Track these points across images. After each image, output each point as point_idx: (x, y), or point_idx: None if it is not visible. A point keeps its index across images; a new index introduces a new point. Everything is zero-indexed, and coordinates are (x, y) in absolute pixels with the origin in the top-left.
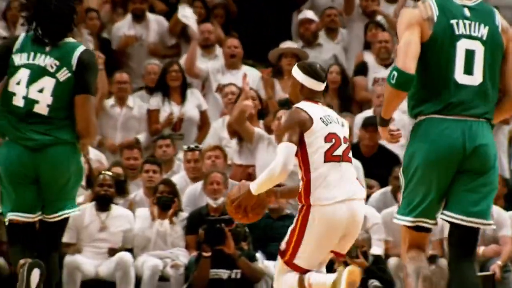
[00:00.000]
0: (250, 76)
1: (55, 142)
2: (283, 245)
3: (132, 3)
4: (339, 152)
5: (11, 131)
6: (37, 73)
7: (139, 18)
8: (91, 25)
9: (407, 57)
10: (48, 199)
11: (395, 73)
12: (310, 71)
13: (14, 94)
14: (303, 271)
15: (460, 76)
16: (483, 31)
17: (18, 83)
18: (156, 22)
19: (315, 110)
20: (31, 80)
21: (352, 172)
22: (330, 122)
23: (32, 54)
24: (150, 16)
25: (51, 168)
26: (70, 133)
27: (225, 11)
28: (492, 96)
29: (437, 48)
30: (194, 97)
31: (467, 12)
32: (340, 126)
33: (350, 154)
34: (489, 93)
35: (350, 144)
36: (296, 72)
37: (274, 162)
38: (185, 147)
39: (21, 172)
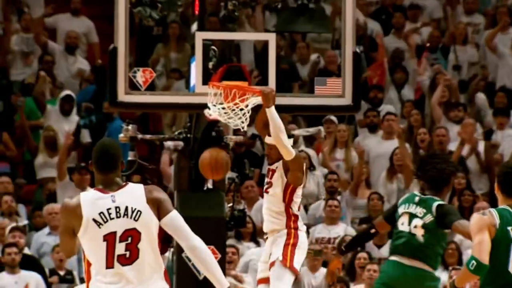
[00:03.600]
0: None
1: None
2: None
3: None
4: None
5: None
6: (412, 217)
7: None
8: None
9: (482, 252)
10: None
11: (474, 262)
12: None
13: (401, 232)
14: None
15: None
16: None
17: (402, 224)
18: None
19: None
20: (408, 222)
21: None
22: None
23: (407, 205)
24: None
25: None
26: None
27: None
28: None
29: (497, 248)
30: None
31: None
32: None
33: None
34: None
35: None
36: None
37: None
38: None
39: None
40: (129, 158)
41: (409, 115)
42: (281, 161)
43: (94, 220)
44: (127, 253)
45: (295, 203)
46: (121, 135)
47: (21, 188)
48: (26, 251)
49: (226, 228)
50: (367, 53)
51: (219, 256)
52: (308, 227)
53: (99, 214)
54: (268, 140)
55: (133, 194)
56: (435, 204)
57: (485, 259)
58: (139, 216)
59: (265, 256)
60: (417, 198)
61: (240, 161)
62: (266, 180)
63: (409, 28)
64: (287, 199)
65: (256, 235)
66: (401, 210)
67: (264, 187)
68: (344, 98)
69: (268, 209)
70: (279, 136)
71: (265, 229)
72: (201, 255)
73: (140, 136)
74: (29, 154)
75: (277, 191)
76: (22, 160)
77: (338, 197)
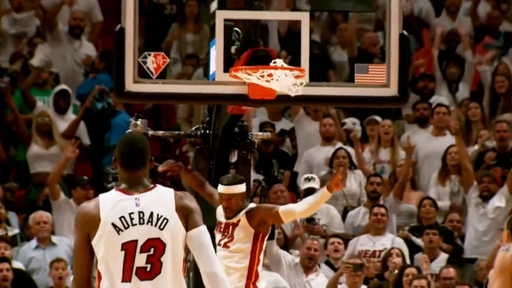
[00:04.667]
0: None
1: None
2: None
3: None
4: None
5: None
6: None
7: None
8: None
9: None
10: None
11: None
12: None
13: None
14: None
15: None
16: None
17: None
18: None
19: None
20: None
21: None
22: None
23: None
24: None
25: None
26: None
27: None
28: None
29: None
30: None
31: None
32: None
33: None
34: None
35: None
36: None
37: None
38: None
39: None
40: None
41: (466, 108)
42: (244, 213)
43: (113, 224)
44: (148, 266)
45: (262, 252)
46: (129, 131)
47: (12, 194)
48: (19, 265)
49: None
50: (415, 37)
51: None
52: (348, 238)
53: (120, 218)
54: (225, 190)
55: (161, 198)
56: None
57: None
58: (165, 225)
59: None
60: None
61: (268, 162)
62: (222, 234)
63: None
64: (257, 251)
65: (288, 247)
66: None
67: (221, 242)
68: (389, 88)
69: (226, 266)
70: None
71: None
72: (219, 285)
73: (151, 132)
74: (23, 153)
75: (242, 245)
76: (14, 161)
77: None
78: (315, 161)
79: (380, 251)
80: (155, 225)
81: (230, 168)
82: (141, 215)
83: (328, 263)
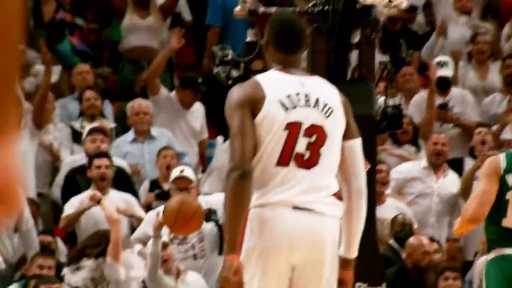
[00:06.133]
0: None
1: None
2: None
3: None
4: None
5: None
6: None
7: None
8: None
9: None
10: None
11: None
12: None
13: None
14: None
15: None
16: None
17: None
18: None
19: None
20: None
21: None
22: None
23: None
24: None
25: None
26: None
27: None
28: None
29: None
30: None
31: None
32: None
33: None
34: None
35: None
36: None
37: None
38: None
39: None
40: (248, 39)
41: None
42: None
43: (281, 102)
44: (307, 153)
45: None
46: (238, 8)
47: (105, 80)
48: (120, 162)
49: (377, 130)
50: None
51: (368, 166)
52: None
53: (287, 96)
54: None
55: (325, 87)
56: None
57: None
58: (330, 114)
59: None
60: None
61: (395, 41)
62: None
63: None
64: None
65: (417, 138)
66: None
67: None
68: None
69: None
70: None
71: None
72: (360, 208)
73: (262, 9)
74: (118, 31)
75: None
76: (106, 42)
77: None
78: (449, 38)
79: None
80: (321, 111)
81: (352, 49)
82: (307, 97)
83: (472, 154)
